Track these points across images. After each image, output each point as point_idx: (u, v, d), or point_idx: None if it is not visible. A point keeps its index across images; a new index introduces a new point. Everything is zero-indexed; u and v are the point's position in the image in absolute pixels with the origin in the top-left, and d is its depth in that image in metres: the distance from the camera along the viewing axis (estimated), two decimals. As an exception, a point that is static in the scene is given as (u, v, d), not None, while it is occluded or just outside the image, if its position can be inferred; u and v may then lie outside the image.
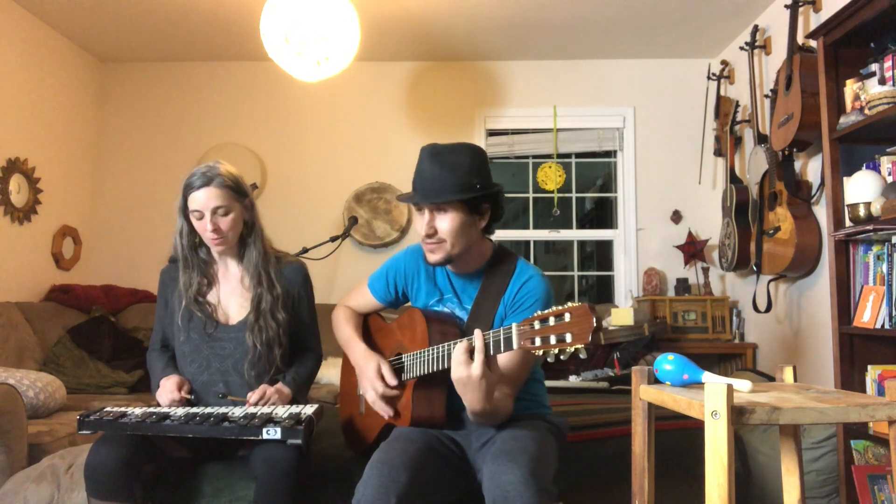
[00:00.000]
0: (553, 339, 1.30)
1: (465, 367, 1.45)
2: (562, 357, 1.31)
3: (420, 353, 1.65)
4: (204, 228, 1.86)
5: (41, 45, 3.85)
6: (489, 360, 1.47)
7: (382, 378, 1.70)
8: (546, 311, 1.34)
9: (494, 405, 1.53)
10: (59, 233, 4.00)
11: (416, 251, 1.85)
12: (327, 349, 2.18)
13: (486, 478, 1.44)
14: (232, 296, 1.96)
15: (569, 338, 1.28)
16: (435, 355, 1.59)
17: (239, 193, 1.90)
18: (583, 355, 1.29)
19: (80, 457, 1.99)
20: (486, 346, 1.45)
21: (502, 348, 1.43)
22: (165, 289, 2.01)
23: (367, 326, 1.97)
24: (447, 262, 1.69)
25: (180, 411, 1.75)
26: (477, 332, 1.47)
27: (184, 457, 1.85)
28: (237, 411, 1.75)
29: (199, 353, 1.90)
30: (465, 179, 1.61)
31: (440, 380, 1.65)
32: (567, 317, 1.29)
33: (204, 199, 1.83)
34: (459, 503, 1.64)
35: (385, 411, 1.69)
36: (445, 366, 1.55)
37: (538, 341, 1.33)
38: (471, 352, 1.46)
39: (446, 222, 1.63)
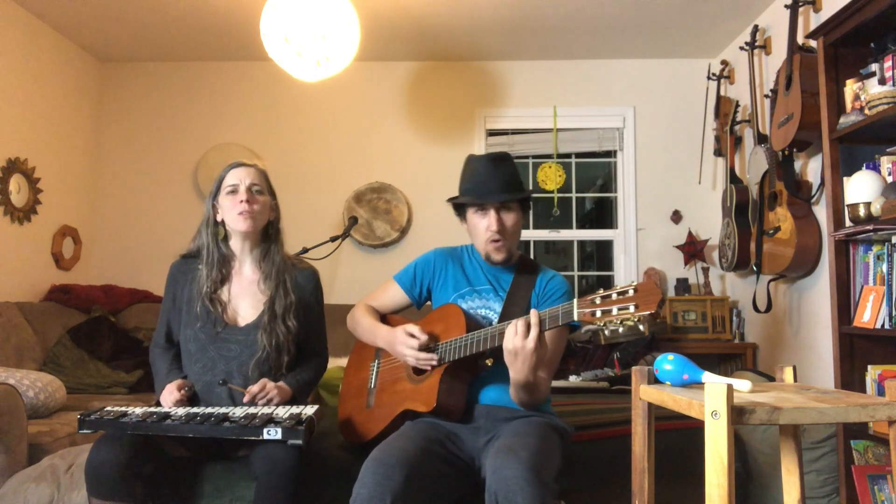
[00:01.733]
0: (615, 310, 1.39)
1: (521, 338, 1.54)
2: (620, 329, 1.40)
3: (458, 339, 1.72)
4: (236, 202, 1.91)
5: (41, 45, 3.85)
6: (541, 337, 1.54)
7: (411, 335, 1.78)
8: (608, 290, 1.44)
9: (536, 381, 1.62)
10: (59, 233, 4.00)
11: (445, 251, 1.99)
12: (330, 352, 2.18)
13: (489, 472, 1.46)
14: (243, 297, 1.96)
15: (632, 308, 1.36)
16: (474, 339, 1.67)
17: (271, 188, 2.03)
18: (642, 328, 1.39)
19: (80, 457, 1.99)
20: (543, 321, 1.55)
21: (560, 321, 1.52)
22: (175, 283, 2.00)
23: (390, 325, 1.98)
24: (508, 260, 1.86)
25: (181, 411, 1.75)
26: (533, 311, 1.57)
27: (184, 456, 1.85)
28: (238, 411, 1.75)
29: (205, 352, 1.89)
30: (520, 180, 1.84)
31: (467, 369, 1.75)
32: (631, 292, 1.38)
33: (243, 174, 1.96)
34: (459, 502, 1.64)
35: (429, 360, 1.74)
36: (482, 348, 1.64)
37: (599, 312, 1.42)
38: (528, 326, 1.54)
39: (511, 219, 1.81)
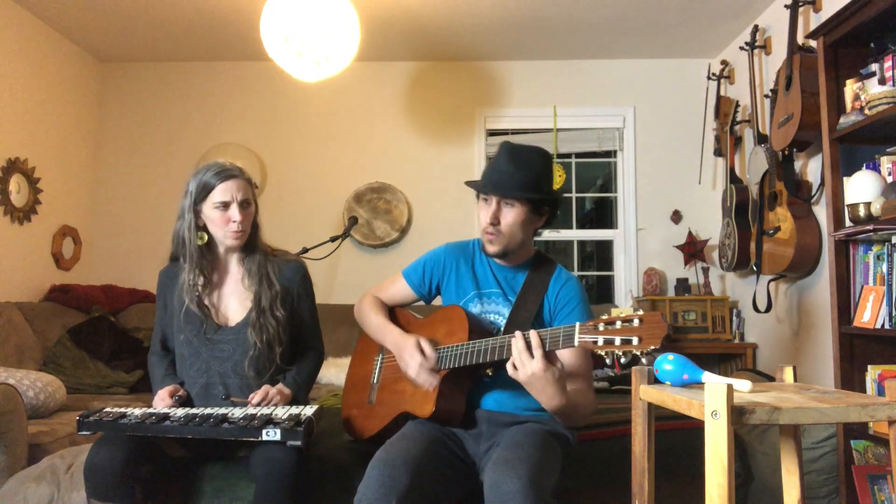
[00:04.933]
0: (618, 341, 1.36)
1: (528, 365, 1.49)
2: (622, 360, 1.36)
3: (458, 346, 1.69)
4: (228, 219, 1.86)
5: (41, 45, 3.85)
6: (549, 355, 1.51)
7: (422, 351, 1.72)
8: (613, 315, 1.40)
9: (572, 400, 1.58)
10: (59, 233, 4.00)
11: (456, 247, 1.94)
12: (328, 349, 2.18)
13: (487, 486, 1.45)
14: (232, 296, 1.96)
15: (636, 341, 1.34)
16: (475, 349, 1.64)
17: (253, 188, 1.96)
18: (644, 361, 1.36)
19: (80, 457, 1.99)
20: (544, 341, 1.50)
21: (561, 344, 1.48)
22: (165, 290, 2.00)
23: (396, 321, 1.97)
24: (504, 255, 1.79)
25: (180, 412, 1.75)
26: (533, 333, 1.51)
27: (184, 457, 1.85)
28: (237, 412, 1.75)
29: (199, 356, 1.89)
30: (536, 180, 1.73)
31: (467, 376, 1.72)
32: (636, 322, 1.36)
33: (234, 189, 1.86)
34: (462, 504, 1.64)
35: (430, 383, 1.70)
36: (482, 360, 1.60)
37: (601, 341, 1.39)
38: (528, 348, 1.50)
39: (511, 216, 1.74)
